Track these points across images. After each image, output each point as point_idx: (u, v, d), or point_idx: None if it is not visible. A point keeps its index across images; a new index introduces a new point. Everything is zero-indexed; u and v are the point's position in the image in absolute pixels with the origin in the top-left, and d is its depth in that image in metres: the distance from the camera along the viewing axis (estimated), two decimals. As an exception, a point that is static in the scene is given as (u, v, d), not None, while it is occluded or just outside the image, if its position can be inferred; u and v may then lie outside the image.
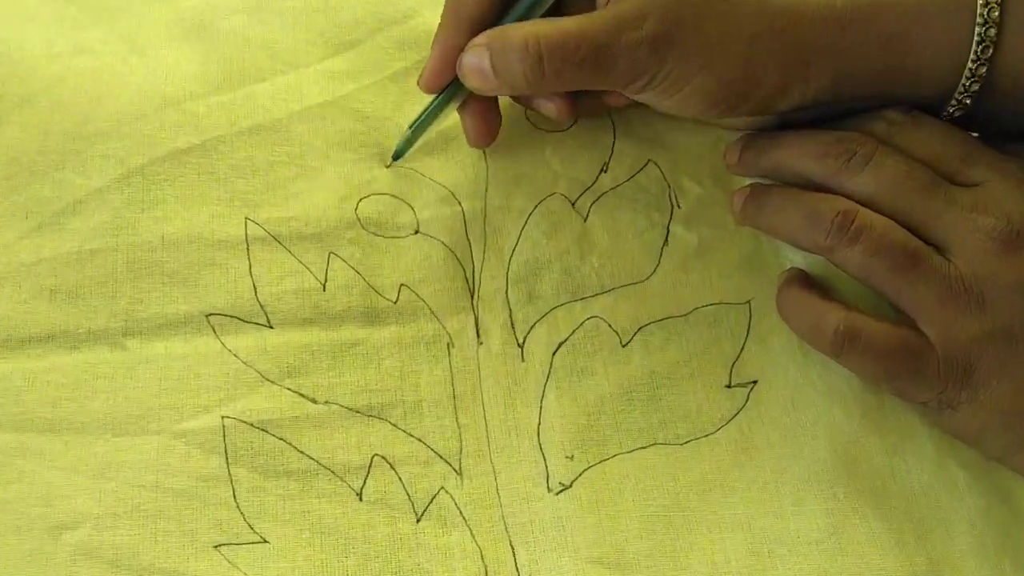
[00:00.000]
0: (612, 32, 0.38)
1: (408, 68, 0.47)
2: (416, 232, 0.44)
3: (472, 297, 0.43)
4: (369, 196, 0.44)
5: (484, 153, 0.46)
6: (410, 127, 0.43)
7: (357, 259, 0.43)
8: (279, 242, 0.43)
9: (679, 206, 0.45)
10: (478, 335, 0.42)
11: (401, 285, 0.42)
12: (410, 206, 0.44)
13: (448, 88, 0.43)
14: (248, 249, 0.42)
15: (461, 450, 0.40)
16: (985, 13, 0.38)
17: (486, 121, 0.44)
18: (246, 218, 0.43)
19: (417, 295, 0.42)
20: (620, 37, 0.38)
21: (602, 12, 0.39)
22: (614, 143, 0.47)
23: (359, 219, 0.44)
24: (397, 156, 0.44)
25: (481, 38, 0.40)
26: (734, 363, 0.42)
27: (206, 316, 0.41)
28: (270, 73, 0.46)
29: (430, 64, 0.42)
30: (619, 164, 0.46)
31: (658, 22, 0.38)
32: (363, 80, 0.47)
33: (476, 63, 0.40)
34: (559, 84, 0.39)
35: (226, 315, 0.41)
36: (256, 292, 0.41)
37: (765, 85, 0.40)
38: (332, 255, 0.42)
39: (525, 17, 0.41)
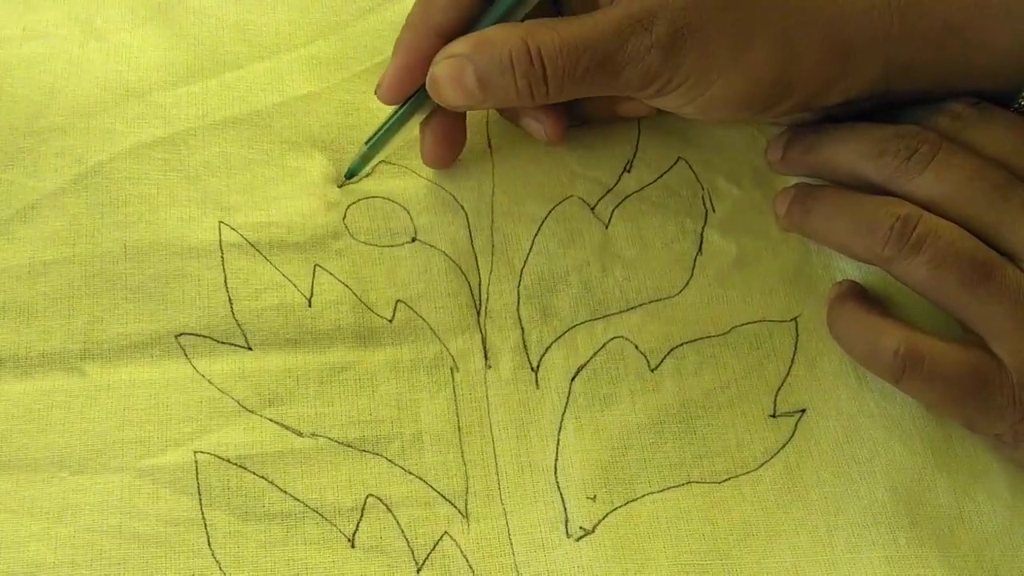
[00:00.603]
0: (618, 36, 0.37)
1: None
2: (413, 240, 0.43)
3: (478, 315, 0.42)
4: (359, 200, 0.44)
5: (490, 150, 0.45)
6: (367, 143, 0.43)
7: (347, 272, 0.42)
8: (258, 250, 0.42)
9: (714, 210, 0.45)
10: (486, 358, 0.41)
11: (397, 301, 0.42)
12: (406, 210, 0.44)
13: (411, 100, 0.41)
14: (223, 258, 0.41)
15: (467, 490, 0.39)
16: None
17: (450, 140, 0.43)
18: (220, 222, 0.42)
19: (416, 312, 0.42)
20: (627, 41, 0.37)
21: (605, 12, 0.38)
22: (639, 138, 0.46)
23: (347, 226, 0.43)
24: (350, 175, 0.44)
25: (460, 45, 0.38)
26: (779, 389, 0.41)
27: (175, 336, 0.40)
28: (247, 59, 0.46)
29: (391, 72, 0.40)
30: (645, 163, 0.46)
31: (670, 23, 0.37)
32: (352, 67, 0.47)
33: (455, 75, 0.38)
34: (558, 96, 0.38)
35: (198, 335, 0.40)
36: (232, 308, 0.41)
37: (800, 86, 0.39)
38: (318, 267, 0.42)
39: (505, 19, 0.39)
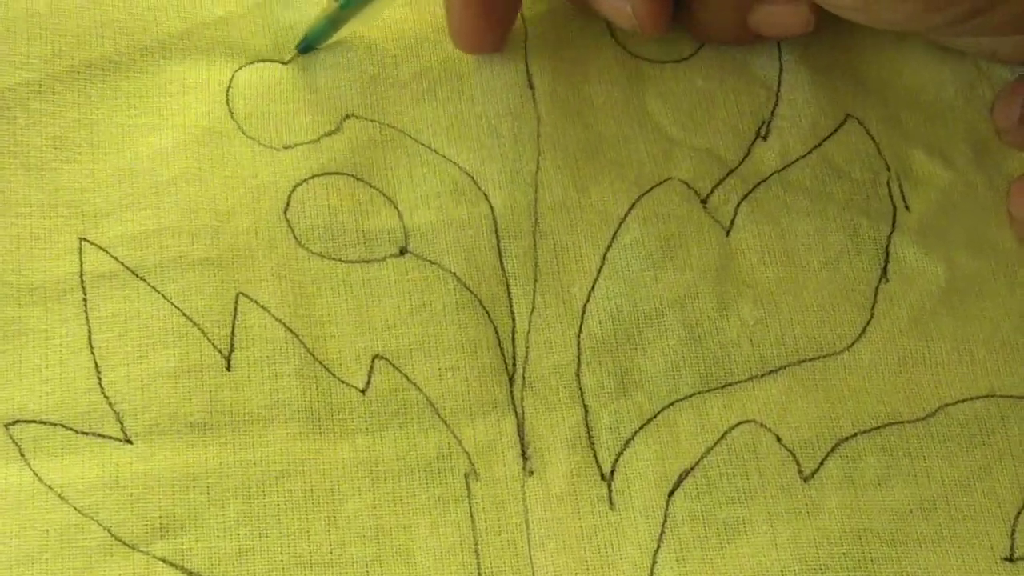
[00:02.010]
0: None
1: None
2: (402, 252, 0.43)
3: (511, 383, 0.42)
4: (312, 178, 0.44)
5: (532, 92, 0.46)
6: None
7: (290, 305, 0.42)
8: (141, 278, 0.42)
9: (908, 208, 0.45)
10: (524, 457, 0.41)
11: (375, 358, 0.42)
12: (389, 199, 0.44)
13: None
14: (85, 299, 0.41)
15: None
16: None
17: (486, 5, 0.43)
18: (80, 239, 0.42)
19: (406, 376, 0.42)
20: None
21: None
22: (780, 80, 0.46)
23: (291, 226, 0.43)
24: (306, 47, 0.44)
25: None
26: (1020, 514, 0.41)
27: (5, 425, 0.40)
28: None
29: None
30: (791, 122, 0.46)
31: None
32: None
33: None
34: None
35: (43, 422, 0.40)
36: (100, 378, 0.41)
37: None
38: (243, 298, 0.42)
39: None
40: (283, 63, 0.45)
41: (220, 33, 0.46)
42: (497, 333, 0.42)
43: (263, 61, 0.45)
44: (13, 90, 0.43)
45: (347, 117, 0.44)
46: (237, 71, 0.45)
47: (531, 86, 0.45)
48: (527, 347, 0.42)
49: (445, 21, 0.44)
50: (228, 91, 0.45)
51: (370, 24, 0.45)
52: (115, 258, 0.42)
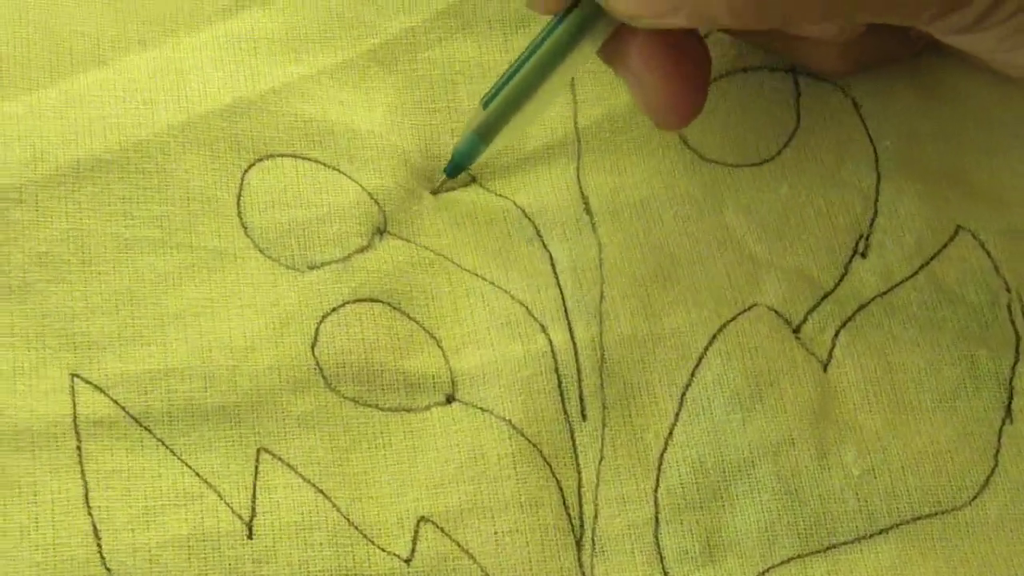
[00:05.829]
0: None
1: (416, 30, 0.47)
2: (449, 401, 0.42)
3: (579, 548, 0.41)
4: (343, 306, 0.42)
5: (589, 216, 0.45)
6: (484, 100, 0.43)
7: (319, 462, 0.41)
8: (146, 428, 0.40)
9: None
10: None
11: (420, 521, 0.40)
12: (432, 337, 0.42)
13: (567, 15, 0.41)
14: (80, 448, 0.40)
15: None
16: None
17: (678, 68, 0.42)
18: (72, 375, 0.40)
19: (456, 543, 0.40)
20: None
21: None
22: (878, 189, 0.46)
23: (320, 365, 0.42)
24: (456, 168, 0.44)
25: None
26: None
27: None
28: (116, 45, 0.46)
29: None
30: (893, 237, 0.45)
31: None
32: (315, 59, 0.47)
33: None
34: (797, 12, 0.38)
35: None
36: (101, 548, 0.39)
37: None
38: (264, 454, 0.40)
39: None
40: (432, 193, 0.44)
41: (226, 124, 0.44)
42: (561, 489, 0.41)
43: (276, 156, 0.44)
44: (-9, 201, 0.42)
45: (380, 232, 0.42)
46: (247, 170, 0.43)
47: (587, 208, 0.45)
48: (596, 505, 0.41)
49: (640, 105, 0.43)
50: (239, 199, 0.43)
51: (525, 134, 0.45)
52: (115, 401, 0.40)
